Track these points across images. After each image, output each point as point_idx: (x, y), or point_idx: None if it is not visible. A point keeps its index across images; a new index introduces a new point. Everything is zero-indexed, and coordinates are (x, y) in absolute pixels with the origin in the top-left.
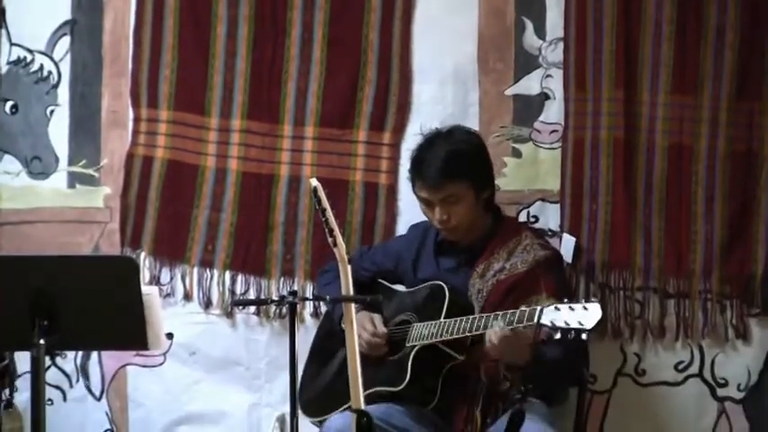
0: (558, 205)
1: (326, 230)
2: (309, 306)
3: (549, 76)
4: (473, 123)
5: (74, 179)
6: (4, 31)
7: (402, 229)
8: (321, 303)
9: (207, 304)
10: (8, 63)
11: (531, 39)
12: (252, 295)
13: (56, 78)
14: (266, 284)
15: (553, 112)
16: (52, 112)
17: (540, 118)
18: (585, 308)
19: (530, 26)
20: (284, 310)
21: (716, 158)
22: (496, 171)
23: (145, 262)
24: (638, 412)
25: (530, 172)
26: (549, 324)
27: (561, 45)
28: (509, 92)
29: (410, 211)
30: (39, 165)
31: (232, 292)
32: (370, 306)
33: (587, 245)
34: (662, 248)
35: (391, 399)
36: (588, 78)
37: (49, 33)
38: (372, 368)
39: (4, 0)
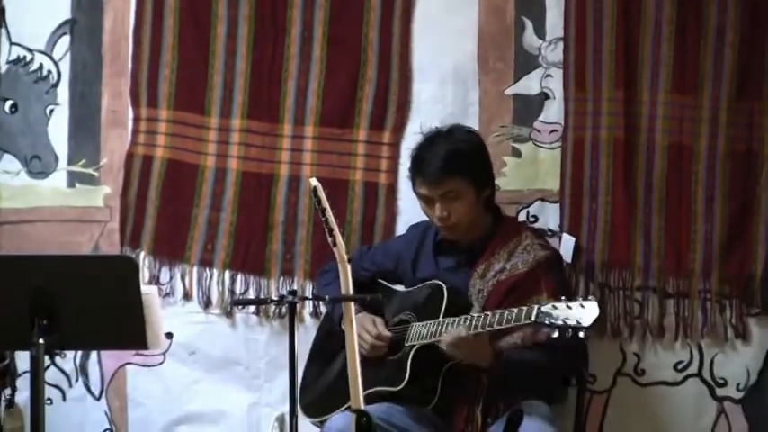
0: (558, 205)
1: (326, 230)
2: (309, 306)
3: (548, 75)
4: (473, 123)
5: (73, 178)
6: (3, 31)
7: (402, 228)
8: (321, 303)
9: (206, 304)
10: (8, 62)
11: (530, 38)
12: (251, 295)
13: (55, 78)
14: (266, 284)
15: (553, 112)
16: (52, 111)
17: (540, 118)
18: (583, 306)
19: (530, 26)
20: (284, 309)
21: (716, 158)
22: (496, 171)
23: (144, 261)
24: (637, 412)
25: (529, 172)
26: (547, 322)
27: (561, 45)
28: (509, 91)
29: (410, 210)
30: (38, 164)
31: (232, 291)
32: (370, 306)
33: (587, 245)
34: (662, 248)
35: (391, 399)
36: (588, 78)
37: (48, 33)
38: (372, 368)
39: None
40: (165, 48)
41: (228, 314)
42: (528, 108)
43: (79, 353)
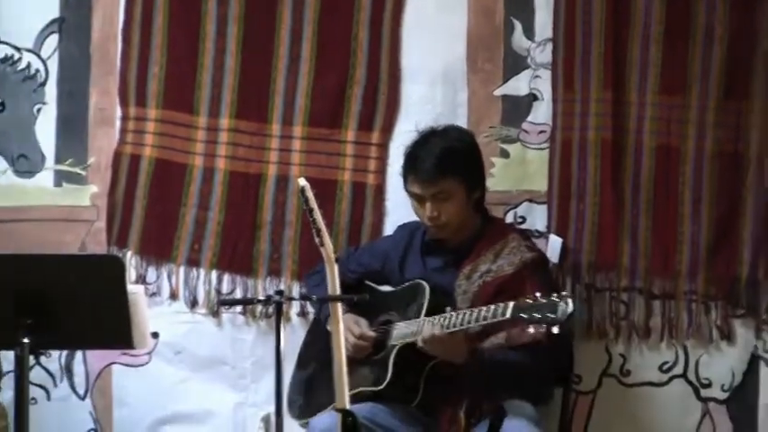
0: (546, 206)
1: (314, 230)
2: (296, 306)
3: (537, 76)
4: (461, 123)
5: (61, 177)
6: None
7: (389, 229)
8: (308, 303)
9: (193, 303)
10: None
11: (519, 39)
12: (238, 295)
13: (43, 76)
14: (253, 284)
15: (541, 113)
16: (39, 110)
17: (529, 118)
18: (557, 301)
19: (519, 27)
20: (270, 309)
21: (703, 159)
22: (485, 171)
23: (131, 261)
24: (622, 413)
25: (517, 172)
26: (523, 317)
27: (550, 46)
28: (498, 92)
29: (398, 211)
30: (25, 163)
31: (218, 291)
32: (357, 307)
33: (574, 245)
34: (648, 249)
35: (374, 398)
36: (576, 79)
37: (37, 31)
38: (356, 368)
39: None
40: (154, 46)
41: (215, 314)
42: (516, 109)
43: (64, 352)
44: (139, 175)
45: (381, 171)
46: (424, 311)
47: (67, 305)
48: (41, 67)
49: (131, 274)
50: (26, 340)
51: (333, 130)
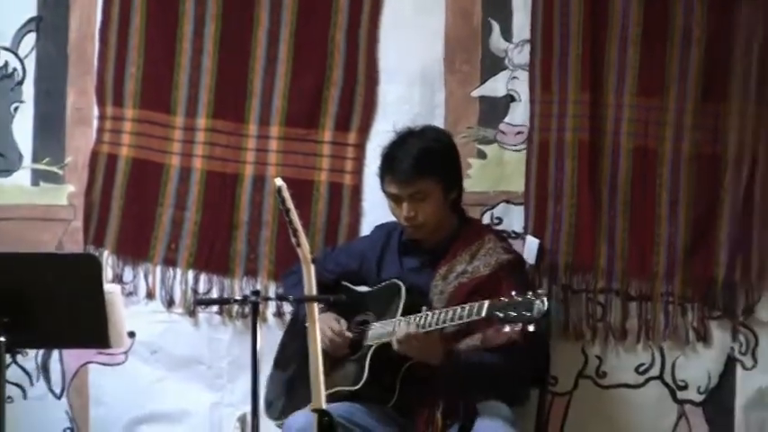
0: (523, 207)
1: (290, 230)
2: (272, 306)
3: (515, 77)
4: (439, 124)
5: (38, 176)
6: None
7: (366, 229)
8: (284, 303)
9: (169, 303)
10: None
11: (497, 41)
12: (215, 294)
13: (21, 75)
14: (229, 284)
15: (518, 114)
16: (17, 108)
17: (506, 119)
18: (532, 300)
19: (496, 28)
20: (247, 309)
21: (680, 161)
22: (462, 172)
23: (108, 260)
24: (598, 414)
25: (495, 173)
26: (498, 316)
27: (527, 47)
28: (475, 93)
29: (374, 211)
30: (2, 162)
31: (195, 291)
32: (334, 307)
33: (551, 247)
34: (625, 251)
35: (351, 398)
36: (554, 80)
37: (14, 30)
38: (333, 368)
39: None
40: (132, 46)
41: (191, 313)
42: (494, 110)
43: (41, 351)
44: (116, 174)
45: (358, 171)
46: (400, 311)
47: (44, 304)
48: (19, 66)
49: (108, 273)
50: (2, 339)
51: (310, 131)
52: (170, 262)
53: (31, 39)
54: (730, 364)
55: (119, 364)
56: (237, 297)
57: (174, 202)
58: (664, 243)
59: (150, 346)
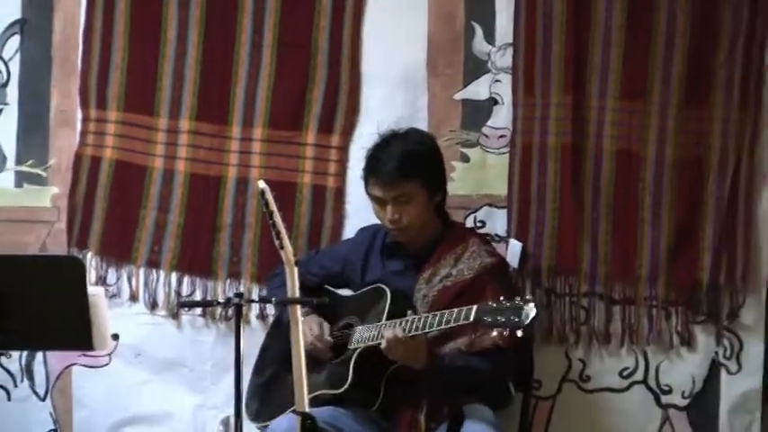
0: (506, 210)
1: (273, 233)
2: (255, 308)
3: (497, 81)
4: (422, 127)
5: (21, 178)
6: None
7: (350, 232)
8: (267, 306)
9: (153, 305)
10: None
11: (480, 44)
12: (198, 297)
13: (5, 77)
14: (212, 286)
15: (501, 117)
16: (1, 110)
17: (489, 123)
18: (521, 305)
19: (479, 31)
20: (230, 312)
21: (664, 165)
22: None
23: (91, 262)
24: (582, 418)
25: (478, 177)
26: (486, 321)
27: (510, 50)
28: (458, 96)
29: (358, 214)
30: None
31: (178, 293)
32: (319, 309)
33: (534, 250)
34: (609, 254)
35: (335, 402)
36: (537, 83)
37: None
38: (316, 371)
39: None
40: (115, 49)
41: (175, 316)
42: (477, 113)
43: (25, 353)
44: (100, 176)
45: (342, 174)
46: (385, 315)
47: (28, 306)
48: (3, 69)
49: (91, 275)
50: None
51: (293, 133)
52: (153, 264)
53: (15, 41)
54: (714, 368)
55: (102, 366)
56: (221, 299)
57: (158, 205)
58: (647, 247)
59: (134, 348)
